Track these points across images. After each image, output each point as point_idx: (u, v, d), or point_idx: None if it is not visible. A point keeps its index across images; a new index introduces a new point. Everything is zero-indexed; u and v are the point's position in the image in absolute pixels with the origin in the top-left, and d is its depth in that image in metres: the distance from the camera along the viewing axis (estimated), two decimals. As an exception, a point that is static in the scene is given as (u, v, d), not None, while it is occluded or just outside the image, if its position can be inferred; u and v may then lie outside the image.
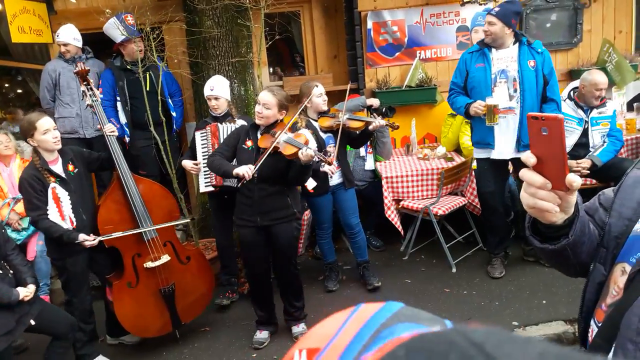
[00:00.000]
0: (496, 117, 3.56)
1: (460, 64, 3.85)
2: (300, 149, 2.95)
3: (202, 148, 3.84)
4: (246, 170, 3.00)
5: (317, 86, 3.78)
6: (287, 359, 0.43)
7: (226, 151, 3.26)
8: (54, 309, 3.16)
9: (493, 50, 3.68)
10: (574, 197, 0.98)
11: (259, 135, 3.22)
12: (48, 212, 2.98)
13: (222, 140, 3.56)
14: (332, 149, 3.69)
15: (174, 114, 4.70)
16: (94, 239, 3.04)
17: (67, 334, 3.03)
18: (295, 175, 3.13)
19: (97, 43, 5.91)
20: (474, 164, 4.47)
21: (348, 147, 4.01)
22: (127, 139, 4.66)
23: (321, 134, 3.73)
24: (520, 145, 3.65)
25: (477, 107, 3.60)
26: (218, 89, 3.87)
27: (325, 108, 3.78)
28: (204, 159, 3.76)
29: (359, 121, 3.59)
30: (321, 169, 3.65)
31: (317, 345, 0.42)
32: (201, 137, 3.86)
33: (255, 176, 3.05)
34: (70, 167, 3.12)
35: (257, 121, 3.20)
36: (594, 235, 1.09)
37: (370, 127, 3.53)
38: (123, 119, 4.63)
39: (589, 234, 1.07)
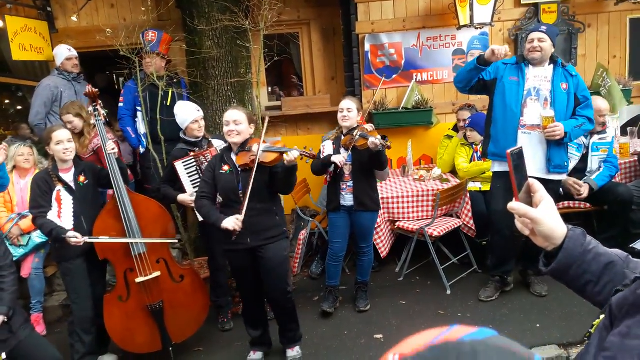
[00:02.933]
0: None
1: (491, 68, 3.75)
2: (282, 152, 2.93)
3: (190, 177, 3.73)
4: (234, 223, 2.97)
5: (342, 101, 3.82)
6: (383, 359, 0.49)
7: (208, 188, 3.16)
8: (40, 343, 3.01)
9: (530, 67, 3.67)
10: (543, 227, 1.05)
11: (233, 157, 3.17)
12: (49, 212, 3.17)
13: None
14: (346, 166, 3.73)
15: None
16: (81, 239, 3.11)
17: None
18: (283, 180, 3.08)
19: (98, 60, 5.98)
20: (470, 185, 4.51)
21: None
22: (141, 150, 4.70)
23: (341, 150, 3.77)
24: (552, 166, 3.62)
25: (498, 47, 3.42)
26: (201, 110, 3.87)
27: (343, 124, 3.78)
28: (195, 188, 3.68)
29: (364, 139, 3.62)
30: (332, 159, 3.68)
31: (407, 352, 0.48)
32: (185, 166, 3.71)
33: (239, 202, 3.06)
34: (81, 178, 3.32)
35: (233, 139, 3.13)
36: (615, 277, 1.06)
37: (369, 143, 3.54)
38: (142, 129, 4.66)
39: (598, 275, 1.05)
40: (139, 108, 4.67)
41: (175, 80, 4.71)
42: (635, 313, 0.79)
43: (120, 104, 4.74)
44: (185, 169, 3.72)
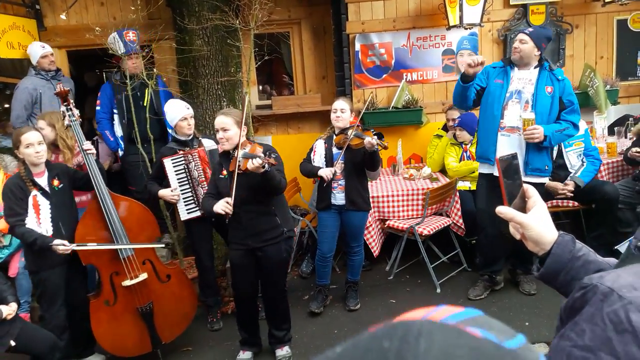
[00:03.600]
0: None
1: (481, 74, 3.80)
2: (251, 159, 2.90)
3: (177, 174, 3.70)
4: (224, 206, 3.00)
5: (336, 101, 3.82)
6: None
7: (213, 189, 3.25)
8: (34, 328, 3.12)
9: (515, 69, 3.70)
10: (531, 232, 1.07)
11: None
12: (26, 219, 3.04)
13: (212, 164, 3.55)
14: (338, 164, 3.73)
15: (170, 130, 4.72)
16: (69, 247, 3.03)
17: (47, 354, 2.99)
18: (266, 185, 3.02)
19: (86, 59, 5.94)
20: (460, 185, 4.54)
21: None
22: (120, 153, 4.67)
23: (334, 149, 3.78)
24: (529, 169, 3.62)
25: (476, 57, 3.48)
26: (191, 108, 3.81)
27: (337, 124, 3.78)
28: (180, 186, 3.70)
29: (359, 138, 3.63)
30: (320, 172, 3.69)
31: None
32: (174, 163, 3.70)
33: (234, 205, 3.04)
34: (55, 182, 3.19)
35: (223, 147, 3.18)
36: None
37: (365, 143, 3.55)
38: (119, 132, 4.63)
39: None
40: (115, 111, 4.62)
41: (163, 79, 4.69)
42: (573, 316, 0.82)
43: (97, 107, 4.66)
44: (174, 167, 3.70)
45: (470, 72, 3.51)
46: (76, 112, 3.35)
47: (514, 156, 1.14)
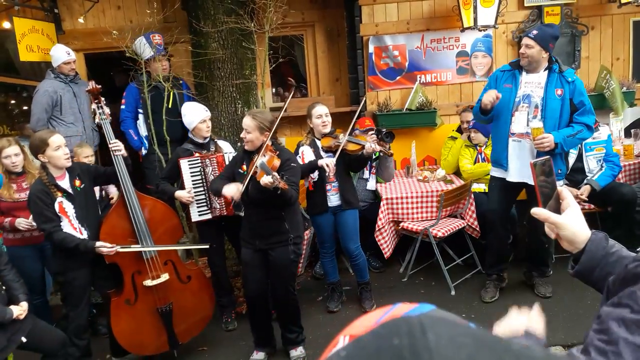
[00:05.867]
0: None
1: (491, 79, 3.82)
2: (266, 173, 2.92)
3: (192, 177, 3.73)
4: (233, 192, 3.10)
5: (316, 107, 3.81)
6: (333, 344, 0.50)
7: (227, 173, 3.38)
8: (45, 325, 3.11)
9: (524, 73, 3.66)
10: (566, 231, 1.12)
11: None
12: (62, 224, 3.04)
13: None
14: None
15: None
16: (113, 249, 3.06)
17: (58, 351, 3.03)
18: (276, 196, 3.01)
19: (103, 61, 6.02)
20: (474, 187, 4.53)
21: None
22: (143, 152, 4.73)
23: (322, 153, 3.79)
24: None
25: (490, 95, 3.53)
26: (209, 110, 3.87)
27: (324, 130, 3.79)
28: (194, 189, 3.73)
29: (356, 144, 3.64)
30: (320, 162, 3.64)
31: (358, 332, 0.49)
32: (190, 166, 3.74)
33: (244, 198, 3.10)
34: (77, 183, 3.17)
35: (246, 147, 3.28)
36: None
37: (364, 151, 3.59)
38: (144, 131, 4.71)
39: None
40: (140, 110, 4.70)
41: (180, 82, 4.75)
42: (625, 286, 0.88)
43: (122, 106, 4.73)
44: (190, 168, 3.74)
45: (488, 107, 3.56)
46: (107, 110, 3.36)
47: (547, 160, 1.17)
